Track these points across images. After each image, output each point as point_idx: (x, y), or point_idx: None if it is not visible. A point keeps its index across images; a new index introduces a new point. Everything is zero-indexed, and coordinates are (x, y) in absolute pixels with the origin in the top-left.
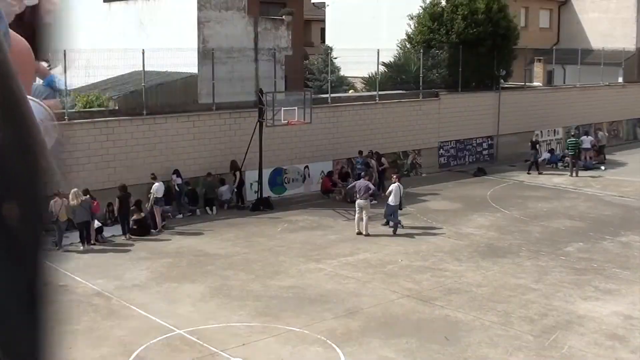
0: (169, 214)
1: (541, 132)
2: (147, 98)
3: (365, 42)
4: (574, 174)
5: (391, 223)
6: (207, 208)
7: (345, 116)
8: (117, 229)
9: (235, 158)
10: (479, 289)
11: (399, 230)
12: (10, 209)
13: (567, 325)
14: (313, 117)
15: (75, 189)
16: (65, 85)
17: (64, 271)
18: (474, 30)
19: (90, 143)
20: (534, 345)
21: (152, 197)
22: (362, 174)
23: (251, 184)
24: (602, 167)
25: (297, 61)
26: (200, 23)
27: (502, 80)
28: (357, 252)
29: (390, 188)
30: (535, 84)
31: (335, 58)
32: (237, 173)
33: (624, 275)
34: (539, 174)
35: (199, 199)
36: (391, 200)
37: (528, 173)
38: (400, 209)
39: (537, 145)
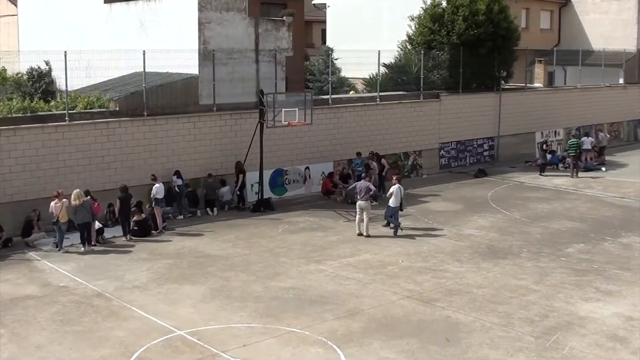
0: (170, 215)
1: (542, 133)
2: (148, 99)
3: (366, 43)
4: (574, 175)
5: (392, 224)
6: (208, 209)
7: (346, 117)
8: (117, 230)
9: (235, 159)
10: (480, 290)
11: (400, 232)
12: None
13: (568, 327)
14: (314, 118)
15: (78, 190)
16: (66, 86)
17: (65, 272)
18: (475, 31)
19: (91, 144)
20: (535, 346)
21: (152, 196)
22: (363, 175)
23: (252, 185)
24: (603, 168)
25: (298, 62)
26: (201, 24)
27: (502, 82)
28: (358, 253)
29: (390, 189)
30: (536, 85)
31: (336, 59)
32: (241, 175)
33: (624, 277)
34: (540, 174)
35: (200, 200)
36: (392, 202)
37: (540, 174)
38: (401, 210)
39: (545, 146)
